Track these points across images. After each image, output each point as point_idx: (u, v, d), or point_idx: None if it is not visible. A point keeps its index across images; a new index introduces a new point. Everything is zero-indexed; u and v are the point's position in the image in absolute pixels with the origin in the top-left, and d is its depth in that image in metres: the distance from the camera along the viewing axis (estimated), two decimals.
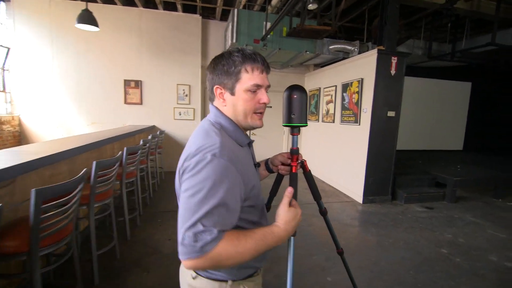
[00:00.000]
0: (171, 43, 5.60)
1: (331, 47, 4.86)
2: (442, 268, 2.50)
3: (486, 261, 2.66)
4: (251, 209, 0.83)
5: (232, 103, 0.82)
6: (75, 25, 3.80)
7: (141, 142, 3.30)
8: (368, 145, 4.13)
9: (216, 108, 0.86)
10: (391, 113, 4.11)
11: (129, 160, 2.80)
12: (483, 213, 4.05)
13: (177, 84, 5.72)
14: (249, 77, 0.80)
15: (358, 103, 4.37)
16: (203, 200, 0.66)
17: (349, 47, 4.77)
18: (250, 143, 0.90)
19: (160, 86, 5.65)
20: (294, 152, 1.00)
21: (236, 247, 0.67)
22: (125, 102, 5.56)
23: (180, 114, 5.82)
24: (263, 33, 4.42)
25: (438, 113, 7.44)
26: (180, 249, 0.64)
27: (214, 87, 0.83)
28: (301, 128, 0.98)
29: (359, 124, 4.36)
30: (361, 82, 4.29)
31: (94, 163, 1.99)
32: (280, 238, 0.74)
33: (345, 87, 4.72)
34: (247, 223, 0.82)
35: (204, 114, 6.10)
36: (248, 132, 0.96)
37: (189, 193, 0.68)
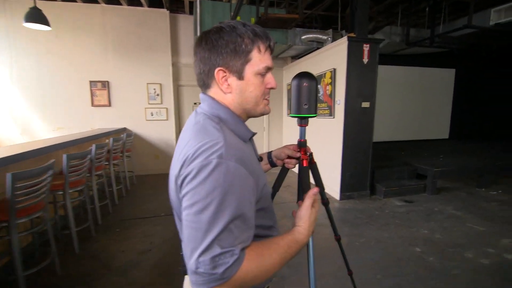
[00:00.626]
0: (139, 41, 5.32)
1: (303, 37, 4.62)
2: (412, 270, 2.31)
3: (461, 259, 2.47)
4: (263, 213, 0.72)
5: (240, 88, 0.68)
6: (23, 24, 3.52)
7: (93, 148, 3.05)
8: (343, 138, 3.92)
9: (211, 97, 0.70)
10: (365, 104, 3.90)
11: (72, 168, 2.55)
12: (465, 204, 3.88)
13: (147, 83, 5.45)
14: (260, 58, 0.67)
15: (332, 95, 4.15)
16: (215, 215, 0.54)
17: (322, 37, 4.54)
18: (251, 137, 0.77)
19: (129, 86, 5.37)
20: (303, 145, 0.95)
21: (260, 264, 0.59)
22: (92, 105, 5.28)
23: (152, 115, 5.56)
24: None
25: (422, 102, 7.26)
26: (194, 278, 0.53)
27: (216, 70, 0.67)
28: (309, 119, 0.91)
29: (334, 117, 4.15)
30: (333, 72, 4.07)
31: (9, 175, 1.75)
32: (303, 245, 0.69)
33: (319, 78, 4.50)
34: (262, 229, 0.72)
35: (178, 113, 5.86)
36: None
37: (197, 208, 0.55)
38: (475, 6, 4.32)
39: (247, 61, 0.66)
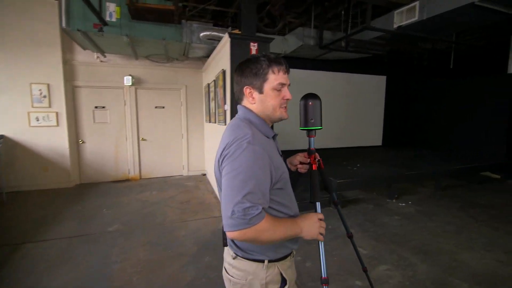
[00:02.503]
0: (20, 33, 4.53)
1: (202, 34, 4.14)
2: None
3: None
4: (281, 192, 0.96)
5: (261, 100, 0.97)
6: None
7: None
8: None
9: (244, 107, 1.00)
10: None
11: None
12: (365, 219, 3.57)
13: (31, 83, 4.65)
14: (275, 78, 0.95)
15: (225, 99, 3.69)
16: (245, 180, 0.80)
17: (220, 34, 4.08)
18: (274, 137, 1.02)
19: (6, 86, 4.54)
20: (312, 152, 1.11)
21: (273, 226, 0.84)
22: None
23: (38, 120, 4.75)
24: (106, 15, 3.58)
25: (354, 109, 7.10)
26: (229, 222, 0.78)
27: (244, 88, 0.98)
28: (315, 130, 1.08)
29: (226, 124, 3.68)
30: (224, 74, 3.61)
31: None
32: (299, 234, 0.91)
33: (217, 81, 4.03)
34: (279, 205, 0.95)
35: (75, 118, 5.10)
36: None
37: (232, 174, 0.82)
38: (387, 9, 4.12)
39: (265, 80, 0.95)
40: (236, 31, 3.35)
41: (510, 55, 5.76)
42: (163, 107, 5.67)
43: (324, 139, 6.72)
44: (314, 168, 1.08)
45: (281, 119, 1.00)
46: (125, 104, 5.39)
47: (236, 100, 1.04)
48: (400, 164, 5.04)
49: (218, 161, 0.90)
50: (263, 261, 0.93)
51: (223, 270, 1.04)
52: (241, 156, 0.82)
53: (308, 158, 1.13)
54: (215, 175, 0.97)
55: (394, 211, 3.87)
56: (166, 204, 4.10)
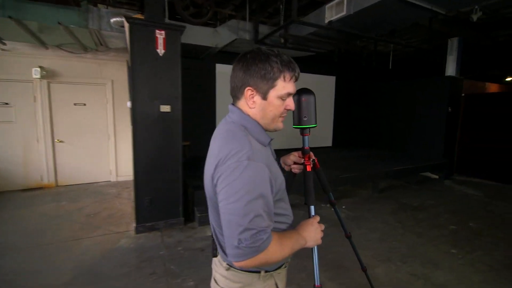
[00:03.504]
0: None
1: (112, 20, 3.59)
2: None
3: None
4: (281, 203, 0.90)
5: (262, 107, 0.84)
6: None
7: None
8: (134, 153, 2.97)
9: (240, 110, 0.86)
10: (165, 108, 3.02)
11: None
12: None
13: None
14: (283, 86, 0.82)
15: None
16: (250, 203, 0.71)
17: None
18: (270, 141, 0.92)
19: None
20: (306, 152, 1.07)
21: (280, 245, 0.78)
22: None
23: None
24: None
25: None
26: (236, 252, 0.72)
27: (246, 88, 0.83)
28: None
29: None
30: (127, 65, 3.12)
31: None
32: (303, 246, 0.88)
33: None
34: (279, 216, 0.88)
35: None
36: None
37: (235, 198, 0.72)
38: (322, 3, 3.87)
39: (272, 86, 0.82)
40: (139, 16, 2.88)
41: (448, 58, 5.88)
42: (85, 104, 4.99)
43: (273, 140, 6.41)
44: (308, 169, 1.04)
45: (275, 130, 0.90)
46: (35, 101, 4.63)
47: (231, 96, 0.89)
48: (343, 166, 4.88)
49: (212, 177, 0.80)
50: (259, 272, 0.88)
51: (212, 281, 0.97)
52: (242, 176, 0.72)
53: (302, 158, 1.09)
54: (205, 191, 0.87)
55: (325, 218, 3.63)
56: (68, 218, 3.49)
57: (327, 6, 3.72)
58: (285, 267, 0.98)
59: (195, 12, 4.15)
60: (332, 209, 1.42)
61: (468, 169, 6.11)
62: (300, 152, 1.12)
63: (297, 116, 1.00)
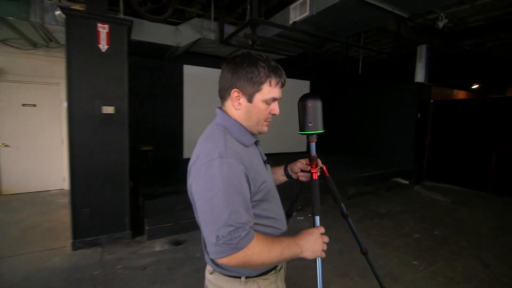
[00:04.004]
0: None
1: (57, 12, 3.27)
2: None
3: None
4: (265, 204, 0.87)
5: (247, 109, 0.86)
6: None
7: None
8: (70, 159, 2.66)
9: (223, 111, 0.90)
10: (108, 109, 2.73)
11: None
12: None
13: None
14: (269, 90, 0.85)
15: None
16: (225, 199, 0.72)
17: None
18: (257, 143, 0.94)
19: None
20: (313, 159, 1.03)
21: (266, 246, 0.76)
22: None
23: None
24: None
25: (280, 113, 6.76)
26: (215, 249, 0.72)
27: (233, 90, 0.85)
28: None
29: None
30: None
31: None
32: (297, 255, 0.82)
33: None
34: (264, 219, 0.87)
35: None
36: None
37: (209, 195, 0.73)
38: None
39: (258, 89, 0.84)
40: (78, 7, 2.60)
41: (417, 65, 5.94)
42: (35, 105, 4.56)
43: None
44: (314, 177, 1.00)
45: (259, 133, 0.92)
46: None
47: (219, 96, 0.91)
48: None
49: (188, 171, 0.83)
50: (240, 277, 0.86)
51: (205, 286, 0.96)
52: (214, 173, 0.73)
53: (309, 165, 1.06)
54: (188, 193, 0.86)
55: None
56: (0, 232, 3.09)
57: (292, 6, 3.59)
58: (275, 273, 0.92)
59: (155, 8, 3.90)
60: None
61: (437, 174, 6.16)
62: (307, 159, 1.08)
63: (302, 122, 0.98)
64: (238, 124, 0.87)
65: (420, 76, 5.83)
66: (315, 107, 0.97)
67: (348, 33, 4.13)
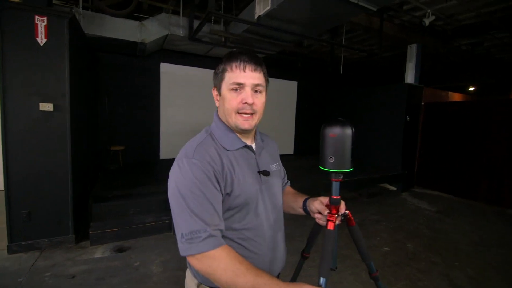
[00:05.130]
0: None
1: None
2: None
3: None
4: (240, 217, 0.81)
5: (221, 103, 0.85)
6: None
7: None
8: (4, 157, 2.52)
9: (216, 113, 0.90)
10: (45, 106, 2.58)
11: None
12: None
13: None
14: (229, 76, 0.80)
15: None
16: (189, 198, 0.71)
17: None
18: (247, 147, 0.88)
19: None
20: (334, 202, 0.86)
21: (233, 266, 0.68)
22: None
23: None
24: None
25: (264, 115, 6.54)
26: (180, 246, 0.71)
27: (213, 89, 0.88)
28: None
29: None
30: None
31: None
32: None
33: None
34: (237, 232, 0.81)
35: None
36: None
37: (175, 195, 0.74)
38: None
39: (222, 79, 0.82)
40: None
41: (407, 65, 5.63)
42: None
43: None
44: (329, 227, 0.81)
45: (240, 128, 0.83)
46: None
47: None
48: (293, 176, 4.48)
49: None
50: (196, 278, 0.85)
51: None
52: (182, 172, 0.74)
53: (328, 209, 0.88)
54: None
55: None
56: None
57: (257, 1, 3.38)
58: None
59: (118, 2, 3.76)
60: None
61: (428, 181, 5.82)
62: (328, 199, 0.90)
63: (322, 155, 0.83)
64: (223, 126, 0.86)
65: (410, 77, 5.53)
66: (341, 138, 0.77)
67: (319, 29, 3.88)
